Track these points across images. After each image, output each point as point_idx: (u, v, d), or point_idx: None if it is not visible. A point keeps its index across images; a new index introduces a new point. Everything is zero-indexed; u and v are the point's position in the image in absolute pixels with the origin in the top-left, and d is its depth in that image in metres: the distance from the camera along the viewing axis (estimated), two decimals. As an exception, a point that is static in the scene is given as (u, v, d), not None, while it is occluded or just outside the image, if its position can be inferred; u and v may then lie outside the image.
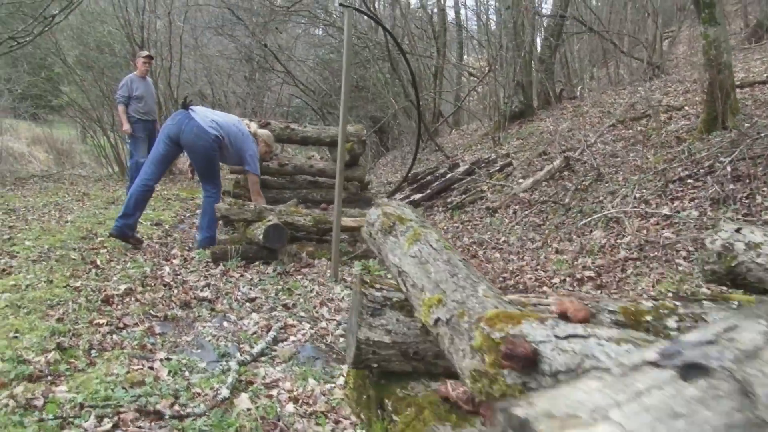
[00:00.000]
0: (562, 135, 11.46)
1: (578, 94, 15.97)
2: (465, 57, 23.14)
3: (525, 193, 9.16)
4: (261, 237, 5.53)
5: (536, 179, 9.29)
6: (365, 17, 22.82)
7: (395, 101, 15.64)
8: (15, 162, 21.87)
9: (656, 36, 15.54)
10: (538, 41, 15.92)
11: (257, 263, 5.84)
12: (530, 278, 6.12)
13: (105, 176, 15.38)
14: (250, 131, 6.71)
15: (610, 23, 16.50)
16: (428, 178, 11.38)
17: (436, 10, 16.86)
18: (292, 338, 3.93)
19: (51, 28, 8.36)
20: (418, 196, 10.57)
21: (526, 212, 8.54)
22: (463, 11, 21.81)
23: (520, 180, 9.88)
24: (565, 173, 9.33)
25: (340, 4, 5.58)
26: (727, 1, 18.83)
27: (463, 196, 10.13)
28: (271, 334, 3.86)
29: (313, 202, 8.37)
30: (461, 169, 11.15)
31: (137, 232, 6.91)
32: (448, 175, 10.98)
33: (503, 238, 7.81)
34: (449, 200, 10.15)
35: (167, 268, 5.77)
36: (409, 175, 11.62)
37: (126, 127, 10.03)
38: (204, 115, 6.54)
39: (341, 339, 3.96)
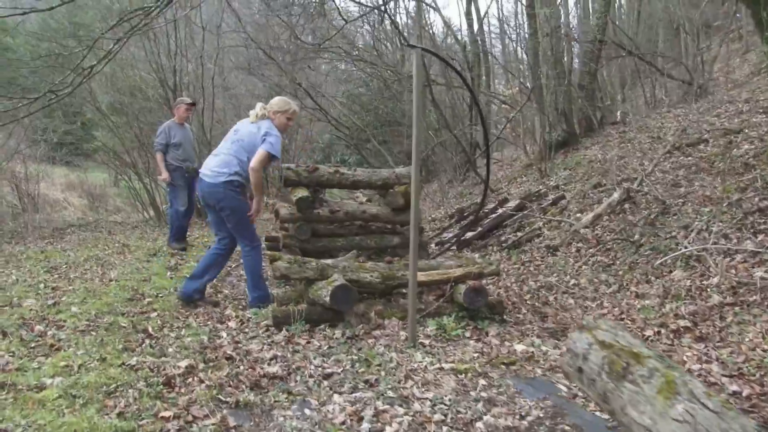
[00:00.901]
0: (614, 164, 10.87)
1: (618, 118, 15.38)
2: (493, 85, 22.63)
3: (586, 230, 8.59)
4: (328, 299, 4.99)
5: (596, 214, 8.71)
6: (398, 44, 22.52)
7: (434, 135, 15.16)
8: (51, 209, 21.73)
9: (696, 55, 14.96)
10: (575, 67, 15.39)
11: (323, 326, 5.31)
12: (620, 330, 5.50)
13: (141, 222, 15.00)
14: (258, 114, 6.13)
15: (645, 44, 15.97)
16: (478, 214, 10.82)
17: (468, 39, 16.42)
18: (388, 429, 3.36)
19: (89, 79, 7.94)
20: (469, 234, 10.01)
21: (592, 250, 7.95)
22: (487, 38, 21.28)
23: (578, 215, 9.31)
24: (626, 206, 8.74)
25: (408, 45, 5.06)
26: None
27: (518, 233, 9.56)
28: (365, 426, 3.30)
29: (366, 249, 7.84)
30: (511, 204, 10.59)
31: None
32: (499, 211, 10.43)
33: (572, 281, 7.22)
34: (503, 238, 9.58)
35: (225, 334, 5.26)
36: (467, 211, 11.09)
37: (164, 175, 9.61)
38: (208, 166, 6.15)
39: (444, 429, 3.40)
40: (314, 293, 5.29)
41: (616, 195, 8.84)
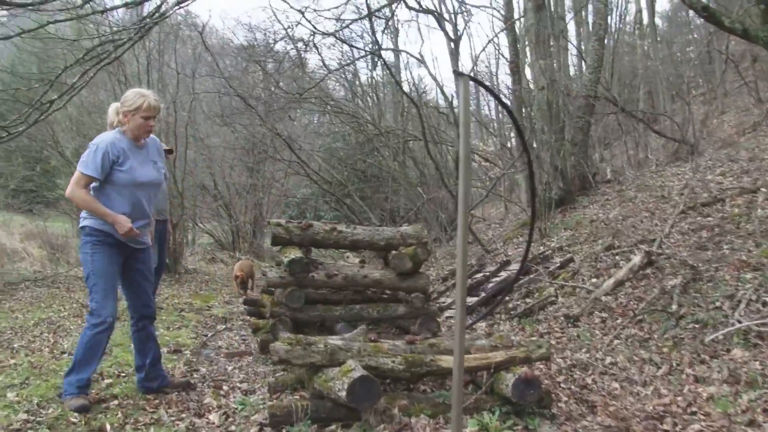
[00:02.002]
0: (622, 224, 9.90)
1: (609, 177, 14.54)
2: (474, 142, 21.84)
3: (608, 297, 7.52)
4: (344, 394, 3.78)
5: (617, 279, 7.66)
6: (376, 99, 21.67)
7: (414, 191, 14.14)
8: (7, 260, 20.12)
9: (685, 114, 14.26)
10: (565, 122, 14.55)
11: (333, 426, 4.07)
12: (699, 432, 4.35)
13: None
14: (112, 122, 5.00)
15: (631, 102, 15.28)
16: (478, 277, 9.70)
17: (455, 95, 15.56)
18: None
19: (48, 116, 6.77)
20: (472, 300, 8.87)
21: (619, 321, 6.86)
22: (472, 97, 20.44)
23: (593, 280, 8.25)
24: (649, 270, 7.71)
25: (454, 72, 3.98)
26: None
27: (527, 300, 8.45)
28: None
29: (367, 320, 6.64)
30: (514, 267, 9.51)
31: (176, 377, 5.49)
32: (502, 275, 9.32)
33: (608, 359, 6.08)
34: (511, 305, 8.46)
35: (206, 435, 4.01)
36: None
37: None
38: None
39: None
40: (323, 384, 4.06)
41: (636, 259, 7.81)
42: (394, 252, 6.67)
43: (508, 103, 20.60)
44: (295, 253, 6.20)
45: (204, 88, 19.14)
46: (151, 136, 4.77)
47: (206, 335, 7.43)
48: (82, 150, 12.87)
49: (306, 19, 13.31)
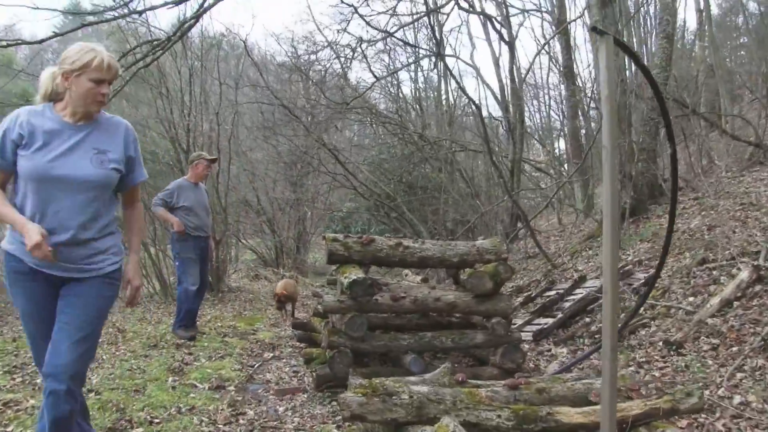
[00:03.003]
0: (711, 235, 8.69)
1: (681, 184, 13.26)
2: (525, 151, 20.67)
3: (714, 319, 6.34)
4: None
5: (724, 298, 6.47)
6: (419, 111, 20.67)
7: (479, 202, 13.06)
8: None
9: (763, 116, 12.95)
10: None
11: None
12: None
13: (145, 297, 12.70)
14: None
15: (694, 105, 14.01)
16: (550, 295, 8.57)
17: (510, 101, 14.51)
18: None
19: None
20: (546, 322, 7.75)
21: (736, 349, 5.68)
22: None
23: (690, 298, 7.06)
24: (758, 287, 6.52)
25: (593, 30, 2.85)
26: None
27: (613, 321, 7.29)
28: None
29: (440, 350, 5.59)
30: (591, 283, 8.36)
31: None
32: (578, 293, 8.18)
33: (735, 398, 4.91)
34: (593, 328, 7.31)
35: None
36: (526, 291, 8.87)
37: (177, 224, 7.48)
38: None
39: None
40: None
41: (743, 274, 6.63)
42: (469, 270, 5.62)
43: (564, 109, 19.46)
44: (356, 274, 5.17)
45: (247, 101, 18.38)
46: (117, 117, 3.28)
47: (252, 366, 6.42)
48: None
49: (359, 14, 12.22)
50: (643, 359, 6.16)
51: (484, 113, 18.98)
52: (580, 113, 16.69)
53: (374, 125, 18.62)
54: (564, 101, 18.54)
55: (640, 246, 9.74)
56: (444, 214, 14.32)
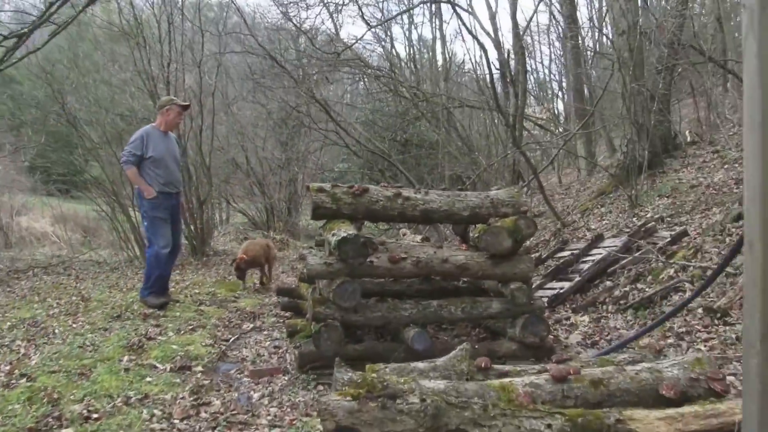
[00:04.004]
0: (737, 189, 7.69)
1: (689, 137, 12.23)
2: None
3: (764, 282, 5.32)
4: None
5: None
6: (414, 68, 19.44)
7: (481, 157, 11.98)
8: (36, 244, 18.48)
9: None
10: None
11: None
12: None
13: (125, 262, 11.68)
14: None
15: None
16: (564, 256, 7.57)
17: (513, 48, 13.33)
18: None
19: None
20: (562, 286, 6.75)
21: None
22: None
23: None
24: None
25: None
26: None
27: (639, 286, 6.31)
28: None
29: (449, 321, 4.58)
30: (610, 243, 7.36)
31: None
32: (595, 253, 7.18)
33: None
34: (617, 293, 6.31)
35: None
36: (535, 251, 7.87)
37: (149, 192, 6.39)
38: None
39: None
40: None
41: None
42: (481, 226, 4.57)
43: (566, 62, 18.27)
44: (346, 230, 4.13)
45: (231, 56, 17.18)
46: None
47: (227, 340, 5.40)
48: (99, 125, 10.83)
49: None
50: (682, 329, 5.18)
51: (480, 71, 17.88)
52: (583, 64, 15.56)
53: (366, 81, 17.42)
54: (567, 55, 17.34)
55: (659, 202, 8.73)
56: (441, 171, 13.25)
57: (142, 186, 6.42)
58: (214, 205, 17.53)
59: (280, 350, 5.11)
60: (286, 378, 4.33)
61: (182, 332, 5.52)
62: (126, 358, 4.59)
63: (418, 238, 6.23)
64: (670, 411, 2.29)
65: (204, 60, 13.53)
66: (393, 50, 20.78)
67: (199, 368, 4.54)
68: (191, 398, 3.84)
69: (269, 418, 3.63)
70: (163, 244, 6.54)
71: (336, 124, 13.10)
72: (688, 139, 12.12)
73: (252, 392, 4.11)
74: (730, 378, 3.27)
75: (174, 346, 4.96)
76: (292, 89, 14.45)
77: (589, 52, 16.31)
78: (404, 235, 6.90)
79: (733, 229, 6.55)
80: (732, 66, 12.10)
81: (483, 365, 2.85)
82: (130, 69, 12.97)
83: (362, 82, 18.41)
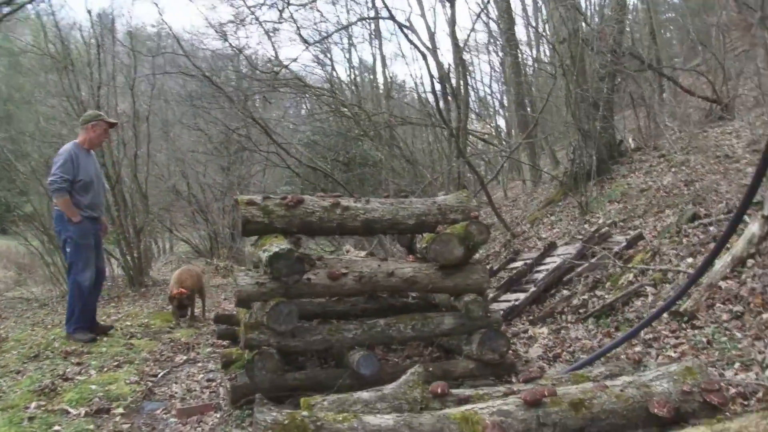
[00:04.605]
0: (691, 191, 7.45)
1: (631, 144, 12.10)
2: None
3: (728, 282, 5.04)
4: None
5: (736, 257, 5.18)
6: (354, 90, 19.10)
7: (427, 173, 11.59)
8: (-33, 283, 17.36)
9: (721, 72, 11.84)
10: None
11: None
12: None
13: (57, 297, 10.84)
14: None
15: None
16: (517, 266, 7.18)
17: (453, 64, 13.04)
18: None
19: None
20: (517, 298, 6.36)
21: (765, 316, 4.38)
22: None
23: (688, 259, 5.75)
24: (771, 242, 5.25)
25: None
26: None
27: (598, 293, 5.96)
28: None
29: (399, 341, 4.10)
30: (563, 251, 7.02)
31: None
32: (549, 262, 6.82)
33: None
34: (575, 302, 5.94)
35: None
36: (488, 264, 7.48)
37: (77, 216, 5.78)
38: None
39: None
40: None
41: (754, 228, 5.31)
42: (429, 235, 4.12)
43: (507, 73, 18.13)
44: (278, 244, 3.62)
45: (170, 83, 16.58)
46: None
47: (155, 376, 4.80)
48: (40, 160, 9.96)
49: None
50: (649, 335, 4.81)
51: (421, 88, 17.61)
52: (524, 75, 15.43)
53: (308, 102, 16.97)
54: (507, 69, 17.20)
55: (610, 207, 8.46)
56: (386, 187, 12.81)
57: (70, 212, 5.80)
58: (155, 234, 16.77)
59: (214, 383, 4.53)
60: (218, 415, 3.78)
61: (105, 370, 4.90)
62: (34, 404, 3.96)
63: (363, 253, 5.72)
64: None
65: (138, 84, 12.90)
66: (334, 72, 20.46)
67: (120, 410, 3.95)
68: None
69: (195, 465, 3.08)
70: (86, 271, 5.95)
71: (276, 145, 12.54)
72: (632, 145, 11.98)
73: (179, 433, 3.55)
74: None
75: (93, 386, 4.35)
76: (231, 112, 13.90)
77: (529, 65, 16.18)
78: (348, 252, 6.39)
79: (690, 230, 6.27)
80: (670, 73, 12.10)
81: (439, 391, 2.38)
82: (57, 95, 12.25)
83: (304, 105, 17.95)
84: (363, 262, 4.08)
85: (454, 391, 2.46)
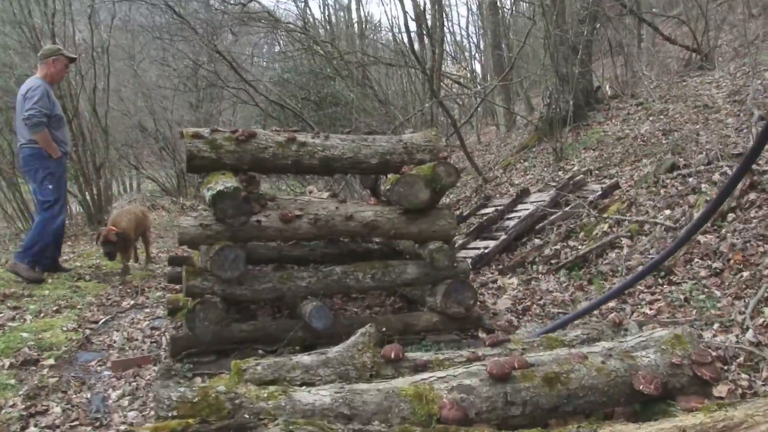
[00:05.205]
0: (670, 140, 7.12)
1: (608, 91, 11.73)
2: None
3: (708, 236, 4.76)
4: None
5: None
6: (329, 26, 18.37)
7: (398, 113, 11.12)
8: None
9: (702, 21, 11.42)
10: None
11: None
12: None
13: (10, 237, 10.32)
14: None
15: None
16: (487, 213, 6.85)
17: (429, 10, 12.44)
18: None
19: None
20: (487, 246, 6.04)
21: (745, 274, 4.12)
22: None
23: (666, 211, 5.45)
24: (753, 195, 4.97)
25: None
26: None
27: (571, 244, 5.66)
28: None
29: (358, 291, 3.75)
30: (537, 198, 6.69)
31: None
32: (521, 209, 6.49)
33: (760, 336, 3.32)
34: (547, 252, 5.63)
35: None
36: (457, 209, 7.14)
37: (57, 151, 5.61)
38: None
39: None
40: None
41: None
42: (393, 176, 3.73)
43: (481, 13, 17.53)
44: (225, 183, 3.22)
45: (137, 15, 15.71)
46: None
47: (96, 322, 4.41)
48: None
49: None
50: (632, 291, 4.52)
51: (396, 28, 16.94)
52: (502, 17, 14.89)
53: (280, 39, 16.25)
54: (484, 11, 16.58)
55: (585, 155, 8.14)
56: (356, 127, 12.34)
57: (51, 148, 5.44)
58: (117, 171, 16.17)
59: (157, 332, 4.17)
60: (156, 368, 3.42)
61: (43, 315, 4.50)
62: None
63: (325, 195, 5.31)
64: (667, 425, 1.52)
65: (98, 13, 12.15)
66: (307, 8, 19.67)
67: (50, 361, 3.57)
68: (22, 405, 2.89)
69: (123, 427, 2.73)
70: (62, 213, 5.73)
71: (245, 81, 11.95)
72: (609, 93, 11.61)
73: (111, 390, 3.19)
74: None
75: (25, 334, 3.96)
76: (200, 48, 13.19)
77: (507, 8, 15.62)
78: (310, 192, 5.97)
79: (668, 180, 5.96)
80: (650, 20, 11.67)
81: (393, 356, 2.04)
82: (9, 22, 11.44)
83: (277, 42, 17.22)
84: (320, 204, 3.69)
85: (410, 355, 2.12)
